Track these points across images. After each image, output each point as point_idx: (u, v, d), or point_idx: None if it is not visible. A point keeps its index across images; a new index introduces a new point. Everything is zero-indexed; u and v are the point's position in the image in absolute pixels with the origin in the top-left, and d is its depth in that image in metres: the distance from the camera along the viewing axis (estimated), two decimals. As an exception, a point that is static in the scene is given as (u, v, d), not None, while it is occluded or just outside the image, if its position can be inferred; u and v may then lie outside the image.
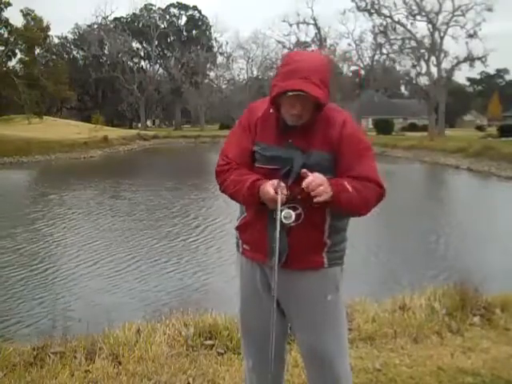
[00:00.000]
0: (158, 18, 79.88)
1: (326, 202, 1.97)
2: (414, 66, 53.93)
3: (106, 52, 74.24)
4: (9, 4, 47.00)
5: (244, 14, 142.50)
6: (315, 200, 1.95)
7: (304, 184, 1.96)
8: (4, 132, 35.53)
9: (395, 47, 54.84)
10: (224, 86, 78.57)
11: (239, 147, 2.18)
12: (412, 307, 4.21)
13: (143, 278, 8.56)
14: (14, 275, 8.65)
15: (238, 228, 2.30)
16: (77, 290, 7.96)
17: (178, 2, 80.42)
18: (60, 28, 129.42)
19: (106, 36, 72.62)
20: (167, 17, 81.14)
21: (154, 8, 79.67)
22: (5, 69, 48.35)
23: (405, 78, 60.33)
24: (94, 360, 3.24)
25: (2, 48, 48.48)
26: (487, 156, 27.45)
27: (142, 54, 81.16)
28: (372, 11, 52.54)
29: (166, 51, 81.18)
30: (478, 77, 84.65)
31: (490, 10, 46.99)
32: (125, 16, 79.02)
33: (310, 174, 1.97)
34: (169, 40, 79.59)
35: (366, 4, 52.11)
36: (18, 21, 50.61)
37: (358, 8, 53.10)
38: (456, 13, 48.86)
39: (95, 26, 75.93)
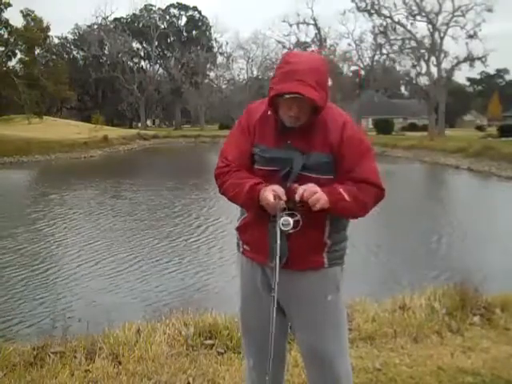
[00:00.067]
0: (158, 19, 79.89)
1: (324, 209, 1.99)
2: (414, 66, 53.98)
3: (106, 52, 74.24)
4: (9, 5, 47.02)
5: (244, 14, 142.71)
6: (313, 209, 1.97)
7: (296, 197, 1.97)
8: (4, 132, 35.53)
9: (395, 47, 54.88)
10: (224, 86, 78.58)
11: (238, 149, 2.18)
12: (412, 307, 4.21)
13: (145, 278, 8.55)
14: (15, 275, 8.65)
15: (238, 229, 2.30)
16: (78, 290, 7.96)
17: (178, 3, 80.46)
18: (60, 28, 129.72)
19: (105, 36, 72.62)
20: (167, 17, 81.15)
21: (153, 8, 79.78)
22: (5, 69, 48.35)
23: (405, 78, 60.32)
24: (94, 360, 3.24)
25: (2, 48, 48.49)
26: (487, 156, 27.45)
27: (142, 54, 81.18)
28: (372, 12, 52.57)
29: (166, 51, 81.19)
30: (478, 77, 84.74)
31: (489, 10, 47.02)
32: (125, 16, 79.17)
33: (299, 186, 1.99)
34: (169, 40, 79.60)
35: (366, 4, 52.14)
36: (18, 21, 50.86)
37: (358, 8, 53.15)
38: (456, 13, 48.89)
39: (95, 27, 75.93)
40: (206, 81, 76.92)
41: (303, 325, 2.25)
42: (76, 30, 76.48)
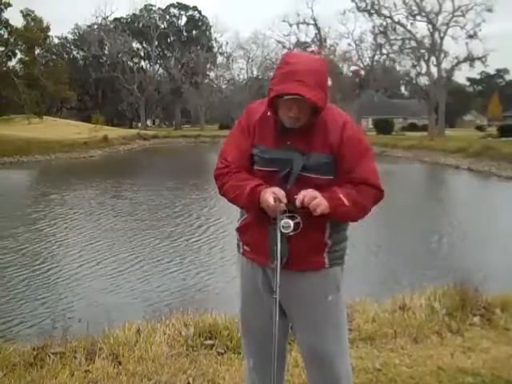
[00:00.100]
0: (157, 19, 79.90)
1: (324, 214, 1.99)
2: (413, 66, 53.97)
3: (106, 52, 74.25)
4: (9, 5, 47.03)
5: (244, 14, 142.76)
6: (314, 214, 1.98)
7: (297, 202, 1.98)
8: (4, 132, 35.53)
9: (395, 47, 54.88)
10: (224, 86, 78.58)
11: (238, 150, 2.18)
12: (412, 307, 4.21)
13: (146, 279, 8.55)
14: (16, 275, 8.65)
15: (238, 229, 2.30)
16: (79, 290, 7.95)
17: (178, 3, 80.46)
18: (60, 28, 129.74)
19: (106, 36, 72.62)
20: (167, 17, 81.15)
21: (153, 8, 79.79)
22: (5, 69, 48.35)
23: (405, 78, 60.32)
24: (94, 360, 3.24)
25: (2, 48, 48.49)
26: (487, 156, 27.44)
27: (142, 54, 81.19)
28: (372, 11, 52.57)
29: (166, 51, 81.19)
30: (478, 77, 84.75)
31: (489, 10, 47.03)
32: (125, 16, 79.19)
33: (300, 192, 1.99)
34: (169, 40, 79.60)
35: (366, 4, 52.14)
36: (18, 21, 50.89)
37: (358, 8, 53.15)
38: (456, 13, 48.89)
39: (95, 27, 75.94)
40: (206, 81, 76.92)
41: (304, 325, 2.25)
42: (76, 30, 76.58)
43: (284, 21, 66.87)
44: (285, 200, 1.99)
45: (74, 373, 3.09)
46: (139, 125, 74.27)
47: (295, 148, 2.07)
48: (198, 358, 3.33)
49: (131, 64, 76.97)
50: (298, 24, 64.14)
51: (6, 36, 48.68)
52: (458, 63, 50.16)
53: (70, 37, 76.42)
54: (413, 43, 52.26)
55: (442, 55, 49.93)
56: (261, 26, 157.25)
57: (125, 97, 71.02)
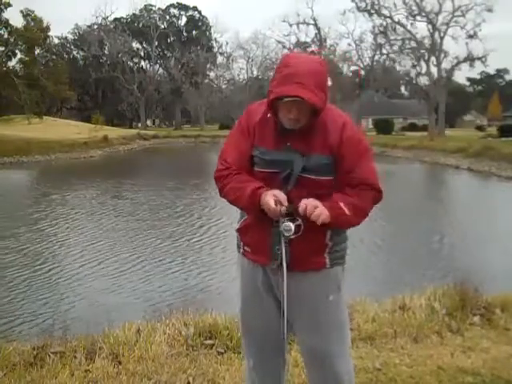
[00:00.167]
0: (157, 19, 79.90)
1: (325, 224, 2.01)
2: (413, 66, 53.99)
3: (106, 52, 74.26)
4: (9, 5, 47.03)
5: (244, 14, 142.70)
6: (318, 223, 1.99)
7: (300, 210, 1.98)
8: (4, 132, 35.54)
9: (395, 47, 54.89)
10: (224, 86, 78.58)
11: (238, 151, 2.18)
12: (412, 307, 4.21)
13: (148, 279, 8.54)
14: (18, 275, 8.64)
15: (238, 230, 2.30)
16: (81, 290, 7.95)
17: (178, 3, 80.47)
18: (60, 28, 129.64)
19: (105, 36, 72.63)
20: (167, 17, 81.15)
21: (153, 8, 79.79)
22: (5, 69, 48.34)
23: (405, 78, 60.33)
24: (94, 360, 3.24)
25: (2, 48, 48.49)
26: (487, 156, 27.44)
27: (142, 54, 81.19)
28: (372, 12, 52.58)
29: (166, 51, 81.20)
30: (478, 77, 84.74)
31: (489, 10, 47.03)
32: (125, 16, 79.18)
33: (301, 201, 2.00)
34: (169, 40, 79.60)
35: (366, 4, 52.15)
36: (18, 21, 50.80)
37: (358, 8, 53.15)
38: (456, 13, 48.90)
39: (95, 27, 75.96)
40: (206, 81, 76.93)
41: (305, 325, 2.25)
42: (76, 30, 76.58)
43: (284, 21, 66.93)
44: (286, 203, 1.99)
45: (74, 372, 3.09)
46: (139, 125, 74.27)
47: (295, 149, 2.08)
48: (197, 357, 3.33)
49: (131, 64, 77.00)
50: (297, 24, 64.20)
51: (6, 36, 48.68)
52: (458, 63, 50.18)
53: (70, 37, 76.55)
54: (413, 43, 52.28)
55: (442, 55, 49.97)
56: (261, 26, 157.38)
57: (125, 97, 71.02)
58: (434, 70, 50.68)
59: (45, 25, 49.22)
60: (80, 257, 9.80)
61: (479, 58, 48.96)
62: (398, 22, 51.84)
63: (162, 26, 78.74)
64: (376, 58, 63.72)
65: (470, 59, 49.38)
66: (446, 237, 11.96)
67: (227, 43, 78.01)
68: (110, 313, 5.40)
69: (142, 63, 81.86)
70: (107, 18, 77.94)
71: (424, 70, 51.95)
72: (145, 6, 78.92)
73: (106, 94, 75.95)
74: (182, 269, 9.17)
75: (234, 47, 76.49)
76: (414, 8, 50.18)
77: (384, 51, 58.72)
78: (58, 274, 8.80)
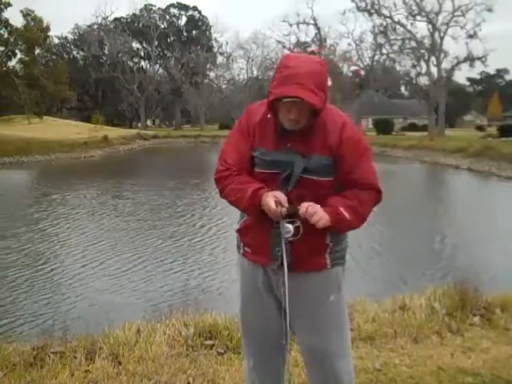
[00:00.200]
0: (157, 19, 79.90)
1: (325, 228, 2.02)
2: (413, 66, 53.99)
3: (106, 52, 74.25)
4: (9, 4, 47.04)
5: (244, 14, 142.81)
6: (318, 227, 2.00)
7: (300, 212, 1.99)
8: (4, 132, 35.54)
9: (395, 47, 54.89)
10: (224, 86, 78.58)
11: (238, 152, 2.18)
12: (412, 307, 4.21)
13: (149, 279, 8.53)
14: (19, 275, 8.63)
15: (239, 231, 2.30)
16: (82, 290, 7.94)
17: (178, 3, 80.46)
18: (60, 28, 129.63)
19: (105, 36, 72.63)
20: (167, 17, 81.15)
21: (153, 8, 79.79)
22: (5, 69, 48.36)
23: (405, 78, 60.32)
24: (94, 360, 3.24)
25: (2, 48, 48.50)
26: (487, 156, 27.44)
27: (142, 54, 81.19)
28: (372, 11, 52.58)
29: (166, 51, 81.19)
30: (478, 77, 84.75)
31: (489, 10, 47.03)
32: (125, 16, 79.18)
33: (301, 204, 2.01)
34: (169, 40, 79.60)
35: (366, 4, 52.15)
36: (18, 21, 50.75)
37: (358, 8, 53.16)
38: (456, 13, 48.90)
39: (95, 27, 75.97)
40: (206, 81, 76.93)
41: (305, 325, 2.25)
42: (76, 30, 76.60)
43: (284, 21, 66.95)
44: (286, 204, 1.99)
45: (74, 373, 3.09)
46: (139, 125, 74.28)
47: (296, 150, 2.08)
48: (198, 357, 3.33)
49: (131, 64, 76.99)
50: (297, 24, 64.20)
51: (6, 36, 48.70)
52: (458, 63, 50.18)
53: (70, 37, 76.56)
54: (413, 43, 52.28)
55: (442, 55, 49.97)
56: (261, 26, 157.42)
57: (125, 97, 71.02)
58: (434, 69, 50.74)
59: (45, 25, 49.26)
60: (81, 257, 9.79)
61: (479, 58, 48.98)
62: (398, 22, 51.87)
63: (162, 26, 78.74)
64: (376, 58, 63.80)
65: (470, 59, 49.39)
66: (445, 236, 11.95)
67: (227, 43, 78.17)
68: (111, 313, 5.40)
69: (142, 63, 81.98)
70: (107, 17, 78.09)
71: (424, 70, 52.00)
72: (145, 5, 79.08)
73: (106, 94, 75.94)
74: (184, 269, 9.16)
75: (234, 47, 76.62)
76: (414, 8, 50.24)
77: (384, 51, 58.81)
78: (59, 275, 8.80)
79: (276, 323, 2.19)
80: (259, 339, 2.30)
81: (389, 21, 52.45)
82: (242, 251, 2.30)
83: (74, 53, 77.50)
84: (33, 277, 8.59)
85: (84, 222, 13.32)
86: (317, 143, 2.08)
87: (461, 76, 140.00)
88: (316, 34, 64.73)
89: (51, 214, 14.34)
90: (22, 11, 48.14)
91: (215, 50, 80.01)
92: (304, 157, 2.07)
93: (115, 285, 8.24)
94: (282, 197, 2.00)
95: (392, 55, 57.67)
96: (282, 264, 2.07)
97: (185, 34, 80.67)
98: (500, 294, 4.64)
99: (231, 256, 9.18)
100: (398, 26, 52.33)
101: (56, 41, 69.01)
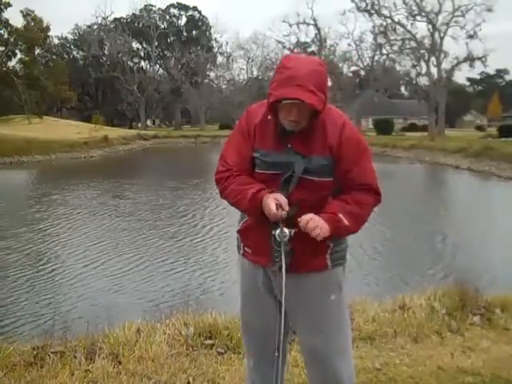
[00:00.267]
0: (157, 19, 79.89)
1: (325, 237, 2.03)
2: (413, 67, 54.06)
3: (105, 52, 74.27)
4: (9, 5, 47.03)
5: (244, 14, 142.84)
6: (318, 239, 2.00)
7: (301, 226, 1.99)
8: (4, 132, 35.53)
9: (395, 48, 54.93)
10: (224, 87, 78.58)
11: (238, 153, 2.18)
12: (412, 307, 4.22)
13: (151, 279, 8.52)
14: (20, 276, 8.63)
15: (239, 232, 2.30)
16: (84, 290, 7.92)
17: (178, 3, 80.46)
18: (60, 28, 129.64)
19: (105, 36, 72.66)
20: (167, 17, 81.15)
21: (153, 8, 79.78)
22: (5, 69, 48.33)
23: (405, 79, 60.41)
24: (93, 360, 3.24)
25: (2, 48, 48.48)
26: (487, 156, 27.45)
27: (142, 54, 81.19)
28: (372, 12, 52.62)
29: (165, 51, 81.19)
30: (478, 77, 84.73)
31: (489, 10, 47.11)
32: (125, 16, 79.13)
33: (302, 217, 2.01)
34: (169, 40, 79.61)
35: (366, 4, 52.19)
36: (18, 21, 50.84)
37: (358, 8, 53.20)
38: (456, 13, 48.96)
39: (95, 27, 76.01)
40: (206, 81, 76.93)
41: (305, 325, 2.25)
42: (76, 30, 76.64)
43: (284, 21, 66.95)
44: (287, 207, 2.00)
45: (74, 372, 3.09)
46: (139, 125, 74.26)
47: (296, 151, 2.08)
48: (198, 357, 3.33)
49: (131, 64, 76.97)
50: (298, 24, 64.15)
51: (6, 36, 48.68)
52: (458, 63, 50.21)
53: (70, 37, 76.60)
54: (413, 43, 52.31)
55: (442, 55, 50.01)
56: (261, 26, 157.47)
57: (125, 97, 70.98)
58: (433, 70, 50.80)
59: (45, 25, 49.22)
60: (83, 257, 9.78)
61: (479, 58, 49.02)
62: (398, 22, 51.91)
63: (162, 26, 78.75)
64: (376, 58, 63.71)
65: (470, 59, 49.41)
66: (445, 236, 11.94)
67: (227, 43, 78.15)
68: (112, 313, 5.38)
69: (142, 63, 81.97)
70: (107, 18, 78.07)
71: (424, 70, 52.05)
72: (145, 6, 79.05)
73: (105, 94, 75.95)
74: (185, 269, 9.15)
75: (234, 47, 76.59)
76: (414, 8, 50.29)
77: (384, 51, 58.82)
78: (60, 275, 8.79)
79: (276, 323, 2.19)
80: (259, 339, 2.30)
81: (389, 21, 52.57)
82: (242, 252, 2.31)
83: (74, 53, 77.55)
84: (34, 277, 8.59)
85: (85, 222, 13.32)
86: (317, 144, 2.08)
87: (461, 76, 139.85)
88: (316, 34, 64.76)
89: (52, 215, 14.33)
90: (22, 11, 48.16)
91: (215, 50, 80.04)
92: (304, 157, 2.07)
93: (117, 285, 8.23)
94: (283, 199, 2.00)
95: (392, 55, 57.76)
96: (281, 267, 2.07)
97: (185, 34, 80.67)
98: (500, 294, 4.65)
99: (232, 256, 9.17)
100: (397, 27, 52.47)
101: (56, 41, 69.22)
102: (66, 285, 8.28)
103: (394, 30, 52.97)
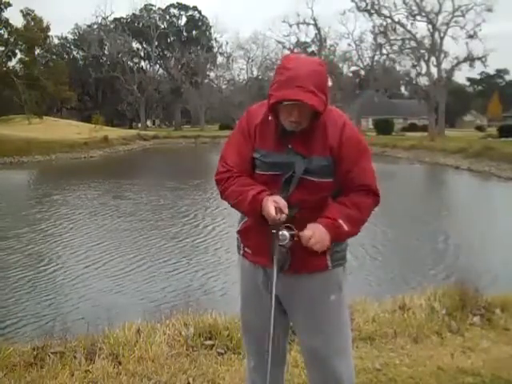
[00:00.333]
0: (157, 19, 79.89)
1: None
2: (413, 67, 54.06)
3: (105, 52, 74.27)
4: (9, 4, 47.09)
5: (244, 14, 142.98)
6: (319, 251, 2.04)
7: (303, 241, 2.01)
8: (4, 132, 35.53)
9: (395, 47, 54.93)
10: (224, 87, 78.57)
11: (239, 154, 2.17)
12: (412, 307, 4.22)
13: (152, 279, 8.51)
14: (22, 276, 8.62)
15: (239, 232, 2.30)
16: (85, 291, 7.91)
17: (178, 3, 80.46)
18: (60, 28, 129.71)
19: (105, 36, 72.65)
20: (167, 17, 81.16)
21: (153, 8, 79.76)
22: (5, 69, 48.37)
23: (405, 79, 60.41)
24: (93, 360, 3.24)
25: (2, 48, 48.52)
26: (487, 156, 27.43)
27: (142, 54, 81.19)
28: (372, 11, 52.61)
29: (165, 51, 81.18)
30: (478, 77, 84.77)
31: (489, 10, 47.10)
32: (125, 16, 79.13)
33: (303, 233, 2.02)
34: (169, 40, 79.60)
35: (366, 4, 52.18)
36: (18, 21, 50.89)
37: (358, 8, 53.20)
38: (456, 13, 48.96)
39: (95, 27, 76.00)
40: (206, 81, 76.92)
41: (306, 325, 2.25)
42: (76, 30, 76.64)
43: (284, 21, 67.05)
44: (286, 210, 1.99)
45: (74, 373, 3.09)
46: (139, 125, 74.26)
47: (297, 151, 2.08)
48: (198, 358, 3.33)
49: (131, 64, 76.97)
50: (298, 24, 64.13)
51: (6, 36, 48.72)
52: (458, 63, 50.21)
53: (70, 37, 76.60)
54: (413, 43, 52.31)
55: (442, 55, 50.00)
56: (261, 26, 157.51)
57: (125, 97, 70.96)
58: (433, 70, 50.79)
59: (45, 25, 49.28)
60: (84, 257, 9.76)
61: (479, 58, 49.01)
62: (398, 22, 51.90)
63: (162, 26, 78.75)
64: (376, 58, 63.71)
65: (470, 59, 49.41)
66: (446, 237, 11.92)
67: (227, 43, 78.15)
68: (112, 313, 5.38)
69: (142, 63, 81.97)
70: (107, 17, 78.08)
71: (424, 70, 52.04)
72: (145, 5, 79.03)
73: (105, 94, 75.94)
74: (187, 270, 9.14)
75: (234, 47, 76.59)
76: (414, 8, 50.28)
77: (384, 51, 58.82)
78: (62, 275, 8.78)
79: (276, 323, 2.19)
80: (259, 339, 2.30)
81: (389, 21, 52.56)
82: (242, 252, 2.31)
83: (74, 53, 77.55)
84: (35, 277, 8.58)
85: (86, 223, 13.31)
86: (317, 144, 2.08)
87: (461, 76, 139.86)
88: (316, 34, 64.75)
89: (53, 215, 14.32)
90: (22, 11, 48.22)
91: (215, 50, 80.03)
92: (305, 158, 2.07)
93: (118, 285, 8.22)
94: (282, 202, 2.00)
95: (392, 55, 57.75)
96: (282, 266, 2.08)
97: (185, 34, 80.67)
98: (500, 294, 4.65)
99: (233, 257, 9.13)
100: (397, 26, 52.46)
101: (56, 41, 69.24)
102: (68, 285, 8.27)
103: (394, 29, 53.00)
